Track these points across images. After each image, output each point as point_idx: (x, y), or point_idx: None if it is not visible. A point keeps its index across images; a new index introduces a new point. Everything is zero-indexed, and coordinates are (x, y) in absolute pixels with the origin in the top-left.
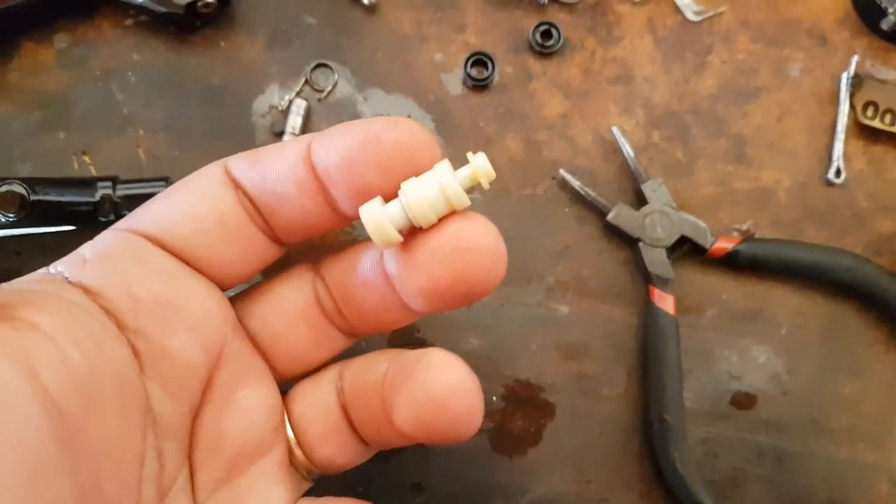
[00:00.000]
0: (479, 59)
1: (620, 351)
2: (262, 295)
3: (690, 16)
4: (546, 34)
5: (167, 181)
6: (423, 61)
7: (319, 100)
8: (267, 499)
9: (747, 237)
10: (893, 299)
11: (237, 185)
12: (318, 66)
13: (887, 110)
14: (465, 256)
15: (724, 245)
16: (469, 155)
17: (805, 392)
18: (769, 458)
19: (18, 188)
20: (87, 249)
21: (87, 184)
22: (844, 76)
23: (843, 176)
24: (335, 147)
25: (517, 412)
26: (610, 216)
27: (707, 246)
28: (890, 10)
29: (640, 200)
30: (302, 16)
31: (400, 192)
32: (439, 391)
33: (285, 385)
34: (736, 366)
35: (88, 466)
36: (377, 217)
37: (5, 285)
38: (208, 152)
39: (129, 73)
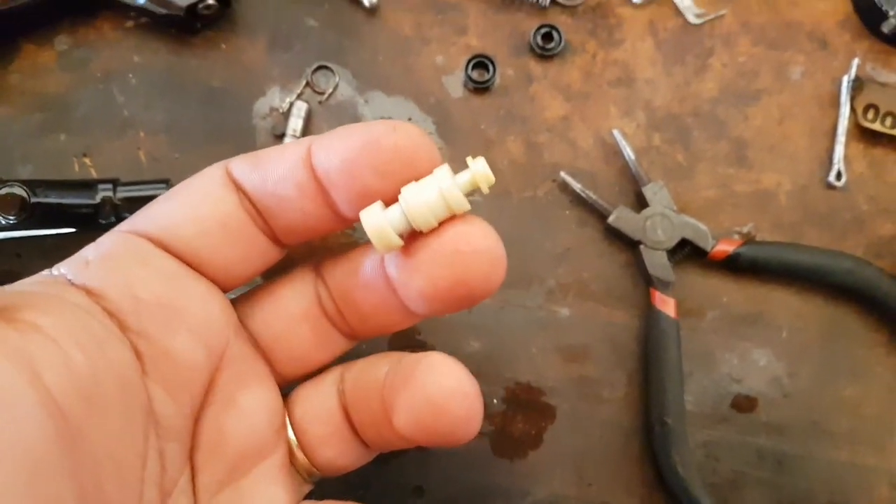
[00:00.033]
0: (480, 62)
1: (621, 354)
2: (264, 296)
3: (691, 18)
4: (547, 37)
5: (168, 183)
6: (424, 64)
7: (320, 102)
8: (268, 501)
9: (748, 240)
10: (894, 302)
11: (238, 187)
12: (319, 68)
13: (888, 113)
14: (464, 260)
15: (725, 248)
16: (469, 159)
17: (806, 395)
18: (770, 461)
19: (19, 190)
20: (89, 251)
21: (88, 186)
22: (845, 79)
23: (843, 179)
24: (335, 150)
25: (518, 415)
26: (611, 219)
27: (708, 249)
28: (891, 13)
29: (640, 203)
30: (303, 18)
31: (400, 197)
32: (438, 395)
33: (286, 387)
34: (737, 369)
35: (90, 468)
36: (378, 222)
37: (8, 287)
38: (209, 154)
39: (130, 75)
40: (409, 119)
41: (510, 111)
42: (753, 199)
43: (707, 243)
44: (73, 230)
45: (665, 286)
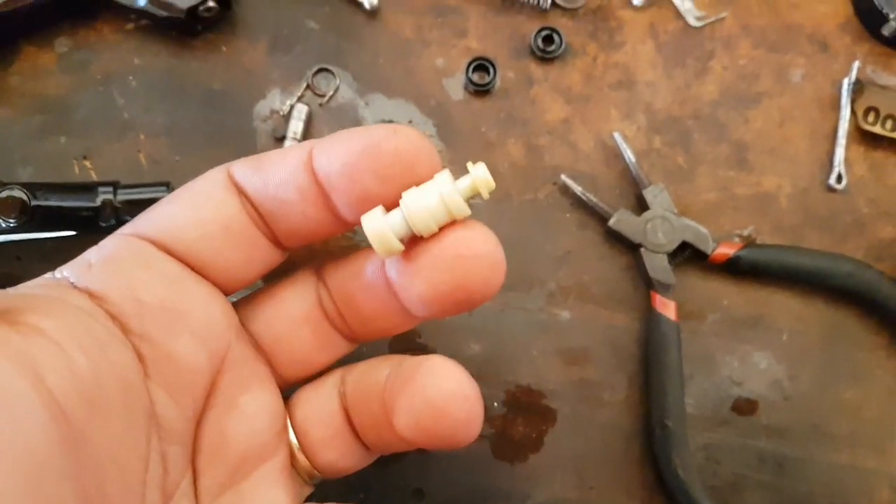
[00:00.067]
0: (481, 64)
1: (622, 357)
2: (266, 299)
3: (692, 21)
4: (548, 39)
5: (168, 186)
6: (424, 66)
7: (321, 105)
8: (269, 503)
9: (748, 243)
10: (894, 305)
11: (240, 191)
12: (320, 70)
13: (888, 116)
14: (464, 264)
15: (726, 251)
16: (469, 165)
17: (806, 398)
18: (770, 463)
19: (19, 193)
20: (92, 254)
21: (88, 189)
22: (845, 82)
23: (844, 182)
24: (336, 154)
25: (518, 418)
26: (611, 222)
27: (708, 251)
28: (891, 15)
29: (641, 206)
30: (303, 20)
31: (401, 202)
32: (438, 398)
33: (288, 390)
34: (737, 371)
35: (92, 470)
36: (379, 227)
37: (11, 290)
38: (209, 157)
39: (130, 78)
40: (410, 121)
41: (511, 114)
42: (754, 201)
43: (708, 246)
44: (73, 233)
45: (665, 289)
